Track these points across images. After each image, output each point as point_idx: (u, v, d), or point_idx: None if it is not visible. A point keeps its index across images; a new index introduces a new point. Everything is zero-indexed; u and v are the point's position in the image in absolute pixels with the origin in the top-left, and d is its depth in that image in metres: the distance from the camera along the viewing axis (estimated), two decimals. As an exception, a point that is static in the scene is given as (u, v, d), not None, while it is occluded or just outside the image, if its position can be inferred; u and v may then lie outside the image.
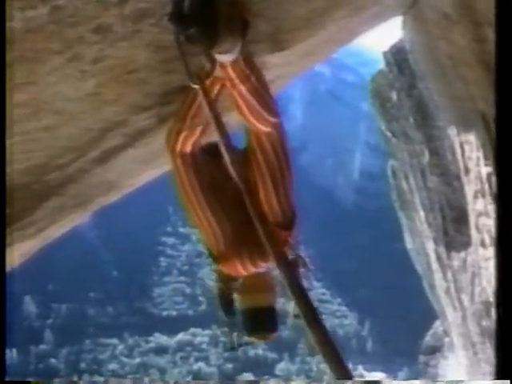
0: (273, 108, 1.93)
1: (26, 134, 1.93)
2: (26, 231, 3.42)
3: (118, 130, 2.46)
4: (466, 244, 6.38)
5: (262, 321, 2.04)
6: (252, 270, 1.99)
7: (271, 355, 43.60)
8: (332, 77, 68.50)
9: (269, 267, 2.04)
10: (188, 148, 2.01)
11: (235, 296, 2.07)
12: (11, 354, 40.03)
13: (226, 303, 2.06)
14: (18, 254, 4.12)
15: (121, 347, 43.34)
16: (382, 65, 8.66)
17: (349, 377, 0.77)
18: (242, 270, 1.99)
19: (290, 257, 2.00)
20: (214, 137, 2.15)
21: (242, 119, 1.92)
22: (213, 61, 1.50)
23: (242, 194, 1.83)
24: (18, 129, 1.77)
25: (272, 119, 1.92)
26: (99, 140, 2.49)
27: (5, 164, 1.71)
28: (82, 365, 41.45)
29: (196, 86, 1.50)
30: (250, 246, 1.92)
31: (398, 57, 7.53)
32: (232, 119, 2.15)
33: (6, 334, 2.05)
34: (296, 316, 2.01)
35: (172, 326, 43.79)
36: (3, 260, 2.12)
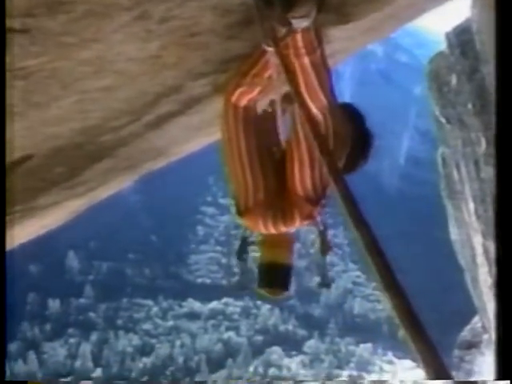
0: (327, 90, 1.87)
1: (85, 93, 1.93)
2: (75, 190, 3.50)
3: (173, 95, 2.44)
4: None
5: (276, 276, 2.08)
6: (272, 231, 2.04)
7: (301, 332, 44.04)
8: (385, 56, 66.52)
9: (289, 231, 2.10)
10: (243, 102, 2.03)
11: (255, 248, 2.13)
12: (54, 304, 42.22)
13: (242, 250, 2.13)
14: (65, 211, 4.25)
15: (155, 309, 44.84)
16: (442, 46, 8.26)
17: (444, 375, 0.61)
18: (263, 228, 2.04)
19: (318, 229, 2.04)
20: (269, 99, 2.14)
21: (294, 95, 1.85)
22: (288, 24, 1.45)
23: (283, 162, 1.97)
24: (78, 87, 1.76)
25: (324, 101, 1.86)
26: (154, 105, 2.48)
27: (4, 146, 1.70)
28: (119, 322, 43.22)
29: (270, 49, 1.46)
30: (276, 210, 1.98)
31: (462, 38, 7.14)
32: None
33: (5, 333, 2.10)
34: (321, 284, 2.09)
35: (205, 293, 44.82)
36: (3, 261, 2.15)
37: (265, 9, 1.41)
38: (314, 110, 1.86)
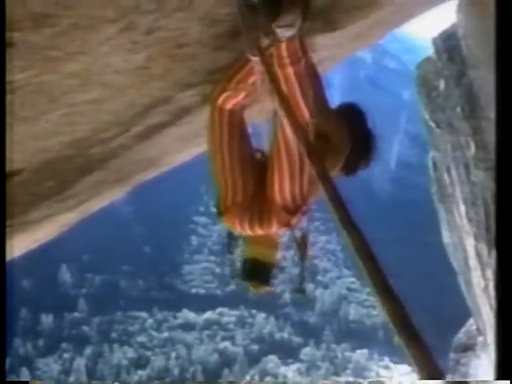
0: (310, 102, 1.82)
1: (73, 106, 1.92)
2: (66, 203, 3.47)
3: (162, 106, 2.44)
4: (508, 242, 6.12)
5: (260, 272, 2.13)
6: (248, 232, 2.08)
7: (297, 339, 43.85)
8: (373, 63, 67.05)
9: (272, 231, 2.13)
10: (228, 106, 2.07)
11: (241, 243, 2.19)
12: (47, 319, 41.73)
13: (230, 244, 2.21)
14: (57, 225, 4.21)
15: (150, 321, 44.46)
16: (429, 51, 8.33)
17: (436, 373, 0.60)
18: (239, 228, 2.09)
19: (297, 234, 2.07)
20: (254, 104, 2.16)
21: (276, 107, 1.84)
22: (273, 34, 1.44)
23: (264, 169, 1.98)
24: (66, 100, 1.75)
25: (306, 114, 1.82)
26: (143, 116, 2.47)
27: (5, 155, 1.69)
28: (113, 335, 42.79)
29: (255, 58, 1.47)
30: (253, 213, 2.01)
31: (448, 43, 7.19)
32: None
33: (5, 334, 2.09)
34: (298, 291, 2.10)
35: (200, 303, 44.55)
36: (3, 263, 2.14)
37: (250, 18, 1.41)
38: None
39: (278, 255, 2.18)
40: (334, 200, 0.79)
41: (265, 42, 1.50)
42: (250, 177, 2.05)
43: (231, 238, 2.20)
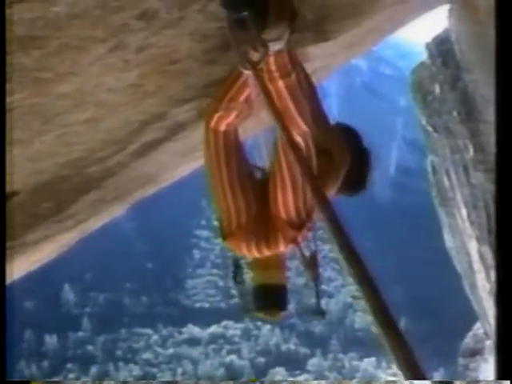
0: (306, 114, 1.79)
1: (67, 127, 1.91)
2: (64, 224, 3.46)
3: (158, 123, 2.43)
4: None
5: (271, 298, 2.04)
6: (256, 255, 2.01)
7: (303, 350, 43.53)
8: (369, 70, 67.39)
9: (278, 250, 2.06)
10: (222, 127, 2.02)
11: (247, 271, 2.11)
12: (51, 340, 41.46)
13: (237, 273, 2.11)
14: (56, 245, 4.19)
15: (155, 337, 44.16)
16: (423, 57, 8.36)
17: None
18: (246, 252, 2.02)
19: (307, 253, 2.00)
20: (247, 123, 2.14)
21: (273, 121, 1.82)
22: (263, 47, 1.43)
23: (265, 187, 1.94)
24: (59, 121, 1.74)
25: (303, 126, 1.80)
26: (139, 133, 2.46)
27: (5, 171, 1.68)
28: (118, 353, 42.49)
29: (247, 72, 1.45)
30: (259, 235, 1.96)
31: (441, 48, 7.22)
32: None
33: (5, 333, 2.06)
34: (317, 313, 2.02)
35: (205, 318, 44.29)
36: (3, 262, 2.12)
37: (239, 32, 1.39)
38: (295, 135, 1.79)
39: (286, 274, 2.10)
40: (330, 220, 0.77)
41: (255, 55, 1.48)
42: (252, 196, 1.99)
43: (238, 266, 2.10)
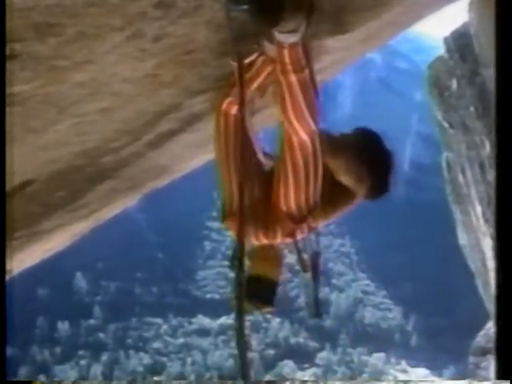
0: (316, 113, 1.78)
1: (82, 116, 1.90)
2: (78, 213, 3.47)
3: (173, 113, 2.42)
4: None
5: (261, 291, 2.04)
6: (253, 240, 2.02)
7: (312, 344, 43.61)
8: (384, 64, 66.78)
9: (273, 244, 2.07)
10: (233, 111, 2.04)
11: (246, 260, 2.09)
12: (63, 326, 42.07)
13: (235, 261, 2.04)
14: (69, 234, 4.22)
15: (165, 327, 44.58)
16: (441, 51, 8.25)
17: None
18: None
19: (307, 254, 2.01)
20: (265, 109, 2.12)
21: (281, 115, 1.79)
22: (270, 40, 1.41)
23: (271, 176, 1.93)
24: (74, 110, 1.74)
25: (312, 125, 1.79)
26: (153, 124, 2.45)
27: (5, 165, 1.68)
28: (129, 341, 42.97)
29: (233, 63, 1.44)
30: (258, 219, 1.96)
31: (460, 42, 7.11)
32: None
33: (6, 333, 2.08)
34: (314, 315, 2.05)
35: (215, 309, 44.53)
36: (3, 261, 2.13)
37: (239, 24, 1.37)
38: (302, 133, 1.79)
39: (282, 272, 2.09)
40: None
41: (270, 49, 1.46)
42: (258, 182, 2.00)
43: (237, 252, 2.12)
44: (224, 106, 2.04)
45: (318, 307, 2.02)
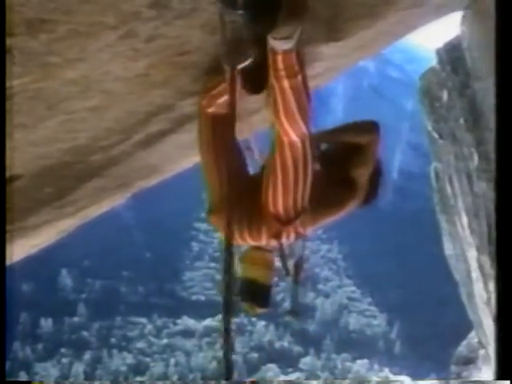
0: (307, 117, 1.83)
1: (72, 114, 1.89)
2: (65, 209, 3.45)
3: (164, 114, 2.42)
4: None
5: (255, 294, 2.07)
6: (238, 240, 2.02)
7: (297, 348, 43.60)
8: (376, 72, 67.23)
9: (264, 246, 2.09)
10: (212, 108, 2.07)
11: (237, 262, 2.10)
12: (46, 323, 41.60)
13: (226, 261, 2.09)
14: (56, 230, 4.18)
15: (149, 327, 44.26)
16: (433, 62, 8.33)
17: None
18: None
19: (280, 254, 2.04)
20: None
21: (274, 119, 1.82)
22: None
23: (257, 175, 1.97)
24: (64, 107, 1.73)
25: (303, 128, 1.82)
26: (144, 124, 2.45)
27: (5, 158, 1.67)
28: (112, 340, 42.59)
29: (227, 68, 1.46)
30: (243, 216, 1.97)
31: (452, 54, 7.18)
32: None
33: (5, 332, 2.07)
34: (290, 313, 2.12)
35: (200, 310, 44.36)
36: (3, 260, 2.11)
37: (245, 27, 1.38)
38: (293, 135, 1.82)
39: (274, 276, 2.11)
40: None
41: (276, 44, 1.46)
42: (242, 181, 2.02)
43: (229, 254, 2.13)
44: (205, 102, 2.06)
45: (297, 308, 2.04)
